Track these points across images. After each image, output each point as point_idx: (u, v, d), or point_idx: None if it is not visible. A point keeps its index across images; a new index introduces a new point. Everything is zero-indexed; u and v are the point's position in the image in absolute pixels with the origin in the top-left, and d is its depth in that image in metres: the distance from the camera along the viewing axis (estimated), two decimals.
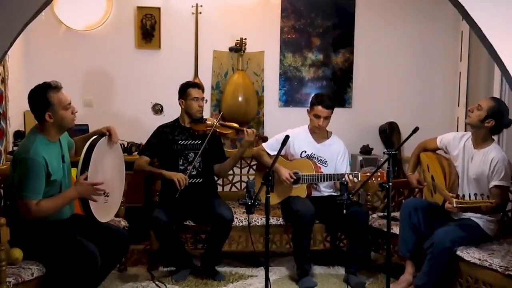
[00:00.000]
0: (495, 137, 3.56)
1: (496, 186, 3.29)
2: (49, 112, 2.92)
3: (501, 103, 3.45)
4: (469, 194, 3.17)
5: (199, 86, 3.97)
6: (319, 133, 3.99)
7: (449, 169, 3.51)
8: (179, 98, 3.93)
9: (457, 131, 5.05)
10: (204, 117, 3.93)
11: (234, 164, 4.09)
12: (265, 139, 3.89)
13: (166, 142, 3.88)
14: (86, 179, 2.94)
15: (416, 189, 4.10)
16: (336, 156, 4.00)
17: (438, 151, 3.75)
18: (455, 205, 3.14)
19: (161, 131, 3.94)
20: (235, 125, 3.96)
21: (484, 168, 3.34)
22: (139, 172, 3.92)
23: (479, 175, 3.37)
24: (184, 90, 3.91)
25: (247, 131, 3.83)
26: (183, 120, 3.96)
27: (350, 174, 3.75)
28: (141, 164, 3.87)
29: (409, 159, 4.01)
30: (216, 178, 4.10)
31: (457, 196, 3.18)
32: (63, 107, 2.94)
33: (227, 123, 3.97)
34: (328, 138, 4.03)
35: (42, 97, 2.92)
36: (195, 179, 3.86)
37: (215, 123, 3.85)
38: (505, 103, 3.57)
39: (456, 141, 3.57)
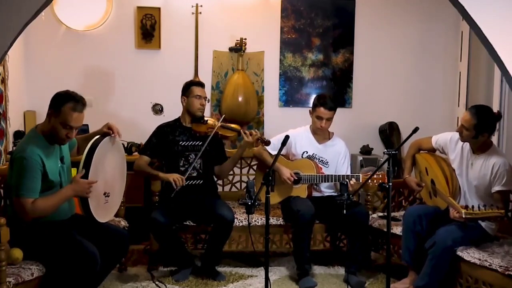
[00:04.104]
0: (496, 137, 3.54)
1: (498, 191, 3.26)
2: (51, 113, 2.93)
3: (481, 112, 3.26)
4: (478, 205, 3.15)
5: (203, 86, 3.97)
6: (321, 134, 3.99)
7: (450, 173, 3.45)
8: (182, 95, 3.92)
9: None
10: (205, 118, 3.91)
11: (233, 165, 4.08)
12: (267, 143, 3.82)
13: (166, 142, 3.87)
14: (83, 177, 2.93)
15: (416, 191, 4.08)
16: (337, 157, 3.99)
17: (433, 151, 3.71)
18: (464, 216, 3.11)
19: (162, 130, 3.92)
20: (237, 127, 3.95)
21: (485, 173, 3.29)
22: (138, 173, 3.92)
23: (480, 181, 3.32)
24: (188, 88, 3.90)
25: (246, 133, 3.80)
26: (184, 120, 3.94)
27: (352, 177, 3.73)
28: (140, 164, 3.85)
29: None
30: (215, 179, 4.10)
31: (466, 207, 3.15)
32: (63, 124, 2.90)
33: (228, 125, 3.95)
34: (329, 139, 4.03)
35: (60, 102, 2.91)
36: (195, 181, 3.85)
37: (216, 124, 3.84)
38: (484, 106, 3.40)
39: (453, 144, 3.52)
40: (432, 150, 3.72)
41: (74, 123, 2.92)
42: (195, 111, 3.87)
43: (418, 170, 3.77)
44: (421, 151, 3.77)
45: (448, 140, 3.56)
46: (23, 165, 2.80)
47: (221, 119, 3.95)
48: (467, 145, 3.43)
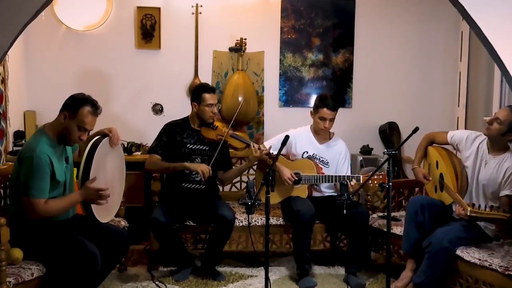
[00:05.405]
0: None
1: (507, 195, 3.25)
2: (67, 114, 2.94)
3: None
4: (485, 205, 3.16)
5: (215, 91, 3.87)
6: (322, 134, 3.98)
7: (460, 170, 3.43)
8: (192, 100, 3.84)
9: (457, 129, 5.03)
10: (214, 124, 3.85)
11: (237, 175, 4.10)
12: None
13: (174, 143, 3.83)
14: (87, 179, 2.95)
15: (417, 188, 4.08)
16: (338, 157, 3.99)
17: (445, 146, 3.69)
18: (468, 214, 3.11)
19: (170, 129, 3.87)
20: (246, 138, 3.92)
21: (497, 175, 3.29)
22: (152, 171, 3.90)
23: (490, 182, 3.32)
24: (199, 95, 3.79)
25: (254, 147, 3.73)
26: (193, 122, 3.90)
27: (353, 178, 3.72)
28: (154, 162, 3.80)
29: (409, 159, 4.00)
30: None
31: (473, 205, 3.16)
32: (79, 126, 2.95)
33: (238, 135, 3.88)
34: (330, 139, 4.02)
35: (78, 104, 2.95)
36: (198, 185, 3.83)
37: (226, 132, 3.78)
38: None
39: (469, 142, 3.49)
40: (444, 144, 3.70)
41: (90, 126, 2.99)
42: (206, 119, 3.82)
43: (428, 162, 3.74)
44: (434, 144, 3.76)
45: (464, 138, 3.54)
46: (32, 164, 2.80)
47: (230, 126, 3.90)
48: (483, 145, 3.42)
